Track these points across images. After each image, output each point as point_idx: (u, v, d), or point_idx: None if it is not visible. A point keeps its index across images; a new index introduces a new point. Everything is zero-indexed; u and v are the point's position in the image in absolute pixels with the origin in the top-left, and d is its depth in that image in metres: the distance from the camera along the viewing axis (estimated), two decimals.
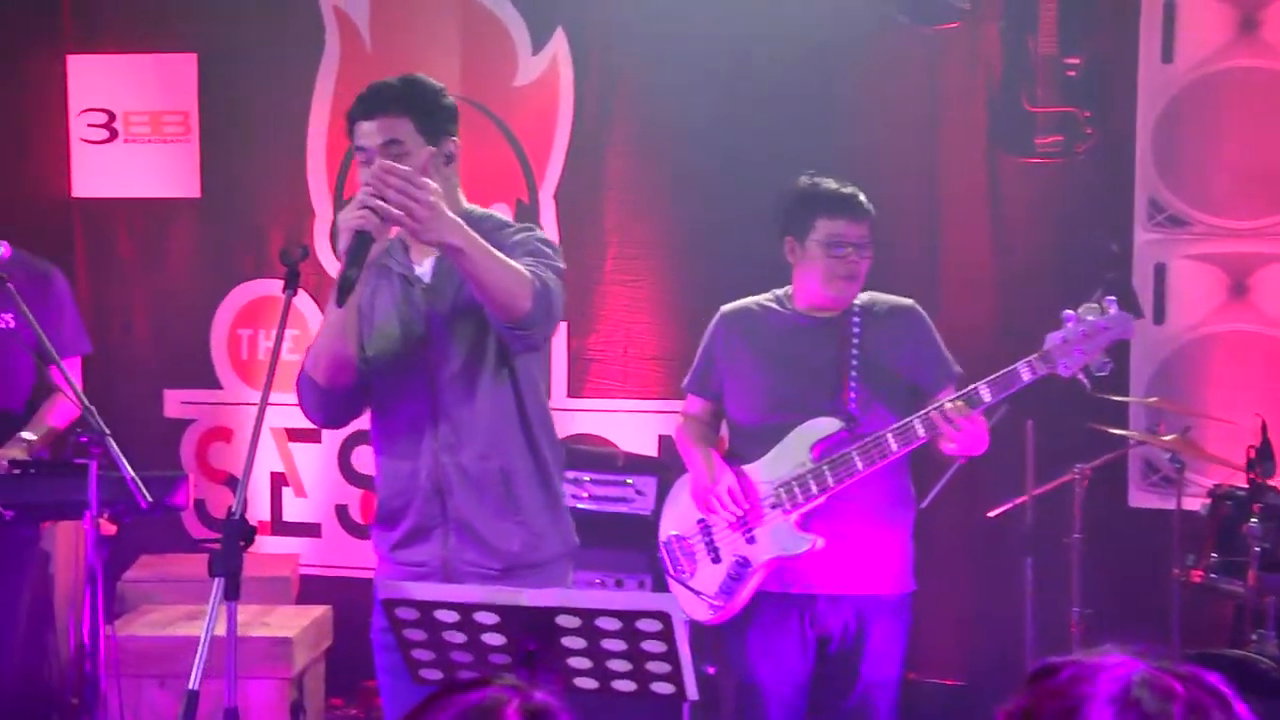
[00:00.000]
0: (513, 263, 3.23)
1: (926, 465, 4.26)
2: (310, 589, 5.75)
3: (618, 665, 2.90)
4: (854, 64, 5.59)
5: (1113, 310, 3.71)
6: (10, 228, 4.78)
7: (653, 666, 2.90)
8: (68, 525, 4.90)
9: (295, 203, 6.02)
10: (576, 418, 5.78)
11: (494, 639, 2.92)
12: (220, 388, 6.12)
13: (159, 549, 5.72)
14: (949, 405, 3.75)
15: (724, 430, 4.25)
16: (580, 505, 5.15)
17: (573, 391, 5.83)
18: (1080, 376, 3.77)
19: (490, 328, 3.35)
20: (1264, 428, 4.52)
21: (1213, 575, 4.65)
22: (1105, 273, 5.28)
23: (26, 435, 4.68)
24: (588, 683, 2.93)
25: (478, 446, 3.40)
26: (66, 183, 6.11)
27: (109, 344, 5.18)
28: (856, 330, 3.99)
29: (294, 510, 6.08)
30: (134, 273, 6.15)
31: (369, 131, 3.39)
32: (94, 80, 6.13)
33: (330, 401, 3.50)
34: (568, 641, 2.89)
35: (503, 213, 3.80)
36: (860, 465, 3.85)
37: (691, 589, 4.03)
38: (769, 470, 3.98)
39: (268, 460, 6.02)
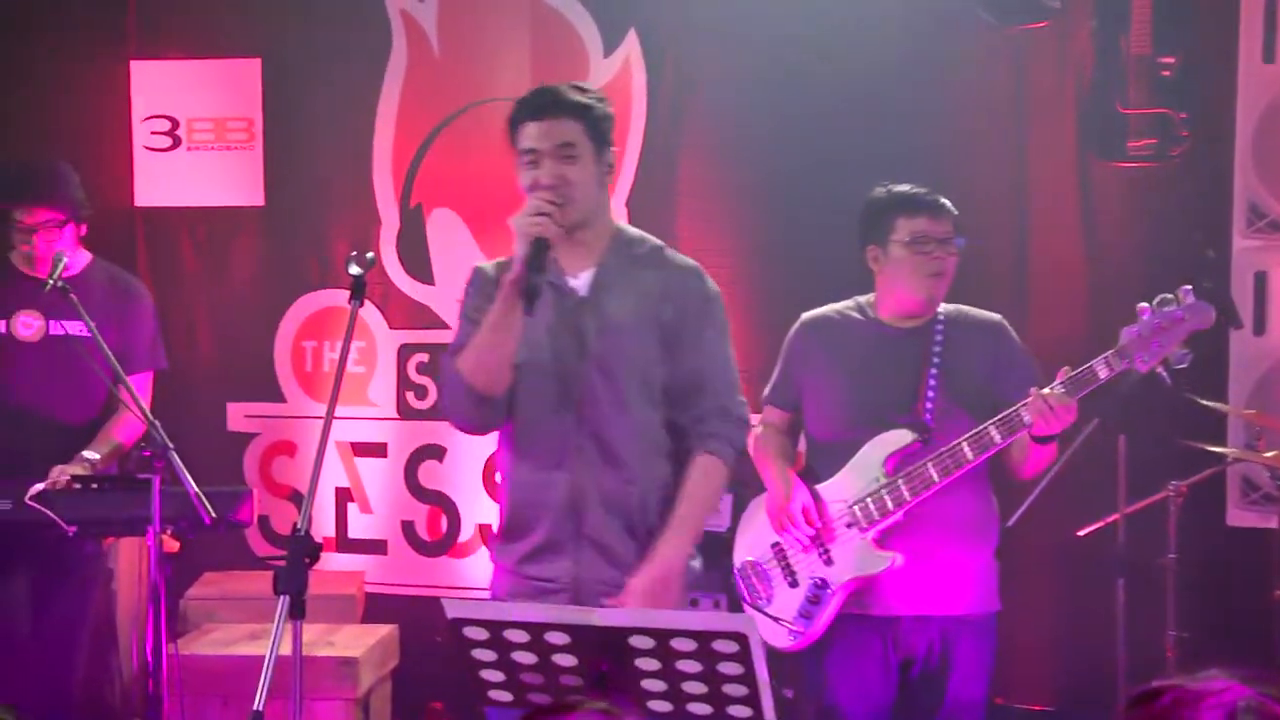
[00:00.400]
0: (715, 487, 3.53)
1: (1013, 483, 4.22)
2: (376, 607, 5.77)
3: (693, 687, 2.89)
4: (936, 65, 5.54)
5: (1189, 300, 3.67)
6: None
7: (729, 689, 2.88)
8: (130, 542, 4.95)
9: (361, 211, 6.07)
10: None
11: (565, 660, 2.92)
12: (284, 401, 6.16)
13: (222, 566, 5.76)
14: (1045, 391, 3.72)
15: (801, 445, 4.23)
16: None
17: None
18: (1159, 370, 3.74)
19: (643, 347, 3.46)
20: None
21: None
22: (1201, 281, 5.20)
23: (89, 455, 4.75)
24: (662, 705, 2.92)
25: (621, 469, 3.46)
26: (129, 191, 6.17)
27: (171, 355, 5.22)
28: (939, 340, 3.97)
29: (359, 527, 6.10)
30: (197, 283, 6.21)
31: (540, 134, 3.42)
32: (157, 86, 6.18)
33: (487, 409, 3.49)
34: (641, 663, 2.88)
35: None
36: (936, 476, 3.83)
37: (769, 615, 3.98)
38: (843, 489, 3.96)
39: (333, 475, 6.05)
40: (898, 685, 3.98)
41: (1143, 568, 4.85)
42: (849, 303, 4.13)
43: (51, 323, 4.86)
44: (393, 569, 6.06)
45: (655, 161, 5.83)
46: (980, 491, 4.00)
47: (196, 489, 4.25)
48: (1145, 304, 3.70)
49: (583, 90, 3.52)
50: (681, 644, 2.84)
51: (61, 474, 4.57)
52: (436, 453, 6.02)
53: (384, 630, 5.29)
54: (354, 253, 3.39)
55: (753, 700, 2.89)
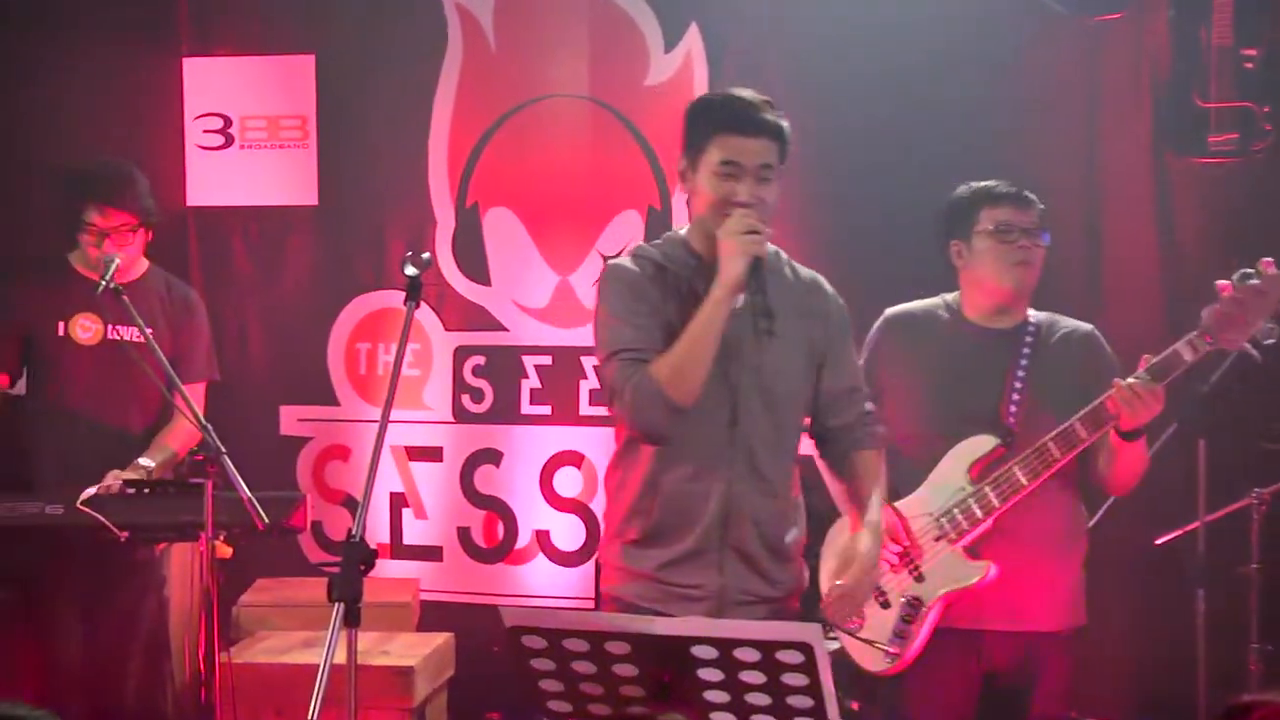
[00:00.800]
0: (883, 479, 3.68)
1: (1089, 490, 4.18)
2: (431, 615, 5.79)
3: (757, 699, 2.88)
4: (1008, 58, 5.51)
5: (1271, 271, 3.62)
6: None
7: (794, 701, 2.87)
8: (183, 547, 4.99)
9: (416, 210, 6.09)
10: None
11: (626, 670, 2.91)
12: (338, 404, 6.19)
13: (275, 572, 5.80)
14: (1130, 380, 3.70)
15: None
16: None
17: None
18: (1248, 348, 3.70)
19: (794, 362, 3.56)
20: None
21: None
22: None
23: (145, 462, 4.80)
24: (725, 717, 2.91)
25: (765, 481, 3.53)
26: (181, 191, 6.20)
27: (223, 358, 5.26)
28: (1029, 344, 3.95)
29: (414, 533, 6.11)
30: (250, 283, 6.24)
31: (751, 150, 3.46)
32: (210, 84, 6.22)
33: (679, 418, 3.48)
34: (704, 673, 2.87)
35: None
36: (1024, 480, 3.81)
37: (863, 640, 3.91)
38: (927, 502, 3.94)
39: (387, 480, 6.07)
40: (980, 697, 3.96)
41: (1224, 578, 4.80)
42: (935, 300, 4.11)
43: (109, 327, 4.90)
44: (448, 576, 6.07)
45: None
46: (1070, 502, 3.98)
47: (249, 494, 4.27)
48: (1225, 280, 3.66)
49: (771, 107, 3.54)
50: (745, 654, 2.83)
51: (115, 479, 4.61)
52: (493, 457, 6.02)
53: (440, 639, 5.30)
54: (409, 253, 3.40)
55: (818, 712, 2.87)
